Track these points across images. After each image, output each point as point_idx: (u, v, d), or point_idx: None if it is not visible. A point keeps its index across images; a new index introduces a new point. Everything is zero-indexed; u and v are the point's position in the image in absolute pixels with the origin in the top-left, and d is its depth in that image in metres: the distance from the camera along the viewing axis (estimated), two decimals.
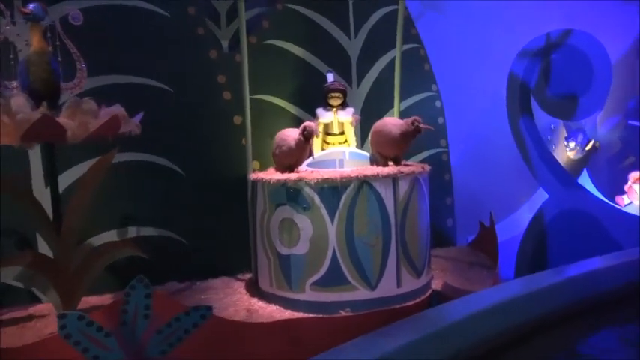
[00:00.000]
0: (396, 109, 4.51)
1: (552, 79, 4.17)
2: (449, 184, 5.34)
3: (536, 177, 4.12)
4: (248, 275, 4.32)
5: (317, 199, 3.39)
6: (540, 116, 6.19)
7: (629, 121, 6.03)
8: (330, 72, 4.44)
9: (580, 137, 6.15)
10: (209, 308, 2.73)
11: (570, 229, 4.08)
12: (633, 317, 3.20)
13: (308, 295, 3.46)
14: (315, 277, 3.44)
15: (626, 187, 5.72)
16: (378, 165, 3.85)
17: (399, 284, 3.51)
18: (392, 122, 3.81)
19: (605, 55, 4.40)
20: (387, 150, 3.82)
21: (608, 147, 6.39)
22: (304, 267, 3.45)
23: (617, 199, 5.54)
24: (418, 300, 3.54)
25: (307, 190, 3.39)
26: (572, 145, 6.06)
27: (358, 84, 4.98)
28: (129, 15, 4.10)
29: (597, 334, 3.09)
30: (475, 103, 5.09)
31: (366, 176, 3.38)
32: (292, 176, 3.48)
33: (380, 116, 4.15)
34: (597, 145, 6.27)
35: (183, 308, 2.62)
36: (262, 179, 3.65)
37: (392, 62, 4.63)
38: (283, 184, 3.47)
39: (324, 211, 3.38)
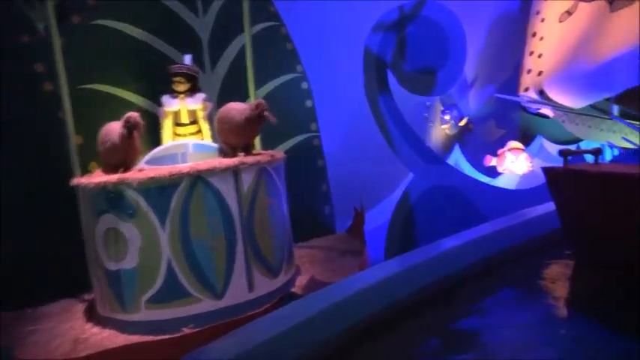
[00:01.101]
0: (251, 92, 4.10)
1: (408, 53, 3.99)
2: (323, 169, 5.07)
3: (399, 156, 3.96)
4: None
5: (143, 203, 2.90)
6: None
7: (496, 94, 6.16)
8: (187, 55, 3.92)
9: (455, 112, 6.18)
10: (9, 349, 2.18)
11: (437, 206, 3.98)
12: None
13: (144, 314, 2.98)
14: (150, 293, 2.96)
15: (499, 151, 5.78)
16: (225, 156, 3.43)
17: (250, 288, 3.15)
18: (235, 107, 3.40)
19: (459, 26, 4.30)
20: (233, 138, 3.41)
21: (481, 120, 6.53)
22: (136, 282, 2.96)
23: (486, 158, 5.55)
24: (274, 302, 3.19)
25: (130, 192, 2.89)
26: (447, 117, 6.07)
27: (212, 67, 4.49)
28: None
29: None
30: (342, 84, 4.83)
31: (199, 171, 2.95)
32: (112, 178, 2.95)
33: (241, 102, 3.73)
34: (470, 126, 6.36)
35: None
36: (81, 184, 3.08)
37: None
38: (103, 188, 2.94)
39: (152, 216, 2.91)
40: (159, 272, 2.93)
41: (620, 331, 2.51)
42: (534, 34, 6.45)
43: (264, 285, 3.22)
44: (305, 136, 4.94)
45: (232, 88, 4.48)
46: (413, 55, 3.94)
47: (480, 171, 5.78)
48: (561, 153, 3.24)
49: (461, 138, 6.27)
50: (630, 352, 2.31)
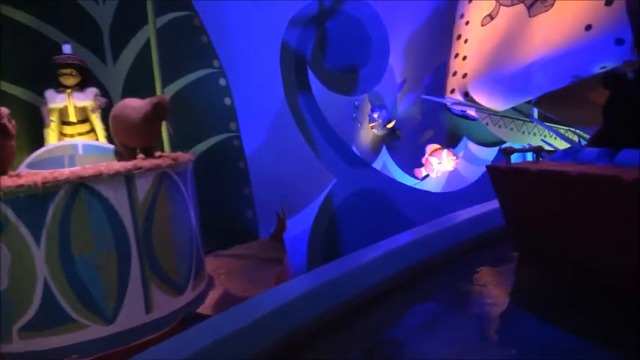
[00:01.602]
0: (158, 89, 3.71)
1: (329, 49, 3.79)
2: (244, 172, 4.75)
3: (321, 159, 3.74)
4: None
5: (12, 215, 2.45)
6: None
7: (423, 96, 6.13)
8: (67, 44, 3.46)
9: (383, 112, 6.08)
10: None
11: (361, 211, 3.81)
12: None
13: (17, 344, 2.54)
14: (24, 320, 2.52)
15: (423, 159, 5.78)
16: (121, 159, 3.04)
17: (148, 309, 2.78)
18: (132, 105, 3.01)
19: (381, 23, 4.15)
20: (129, 139, 3.03)
21: (408, 121, 6.49)
22: (7, 308, 2.51)
23: (416, 171, 5.53)
24: (175, 324, 2.84)
25: None
26: (376, 115, 5.96)
27: (115, 60, 4.04)
28: None
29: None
30: (265, 81, 4.54)
31: (81, 177, 2.54)
32: None
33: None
34: (398, 133, 6.30)
35: None
36: None
37: (158, 32, 3.79)
38: None
39: (24, 230, 2.47)
40: (33, 295, 2.49)
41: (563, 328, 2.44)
42: (459, 37, 6.50)
43: (166, 304, 2.86)
44: (224, 136, 4.59)
45: (138, 84, 4.05)
46: (334, 52, 3.73)
47: (407, 173, 5.71)
48: (503, 151, 3.17)
49: (389, 140, 6.19)
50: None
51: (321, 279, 2.86)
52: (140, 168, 2.73)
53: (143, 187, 2.75)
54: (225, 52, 4.50)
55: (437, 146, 5.65)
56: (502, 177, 3.16)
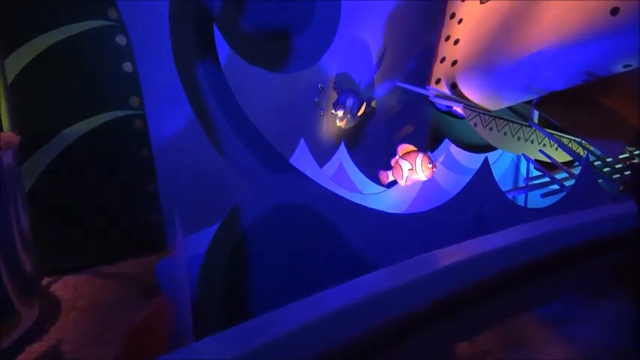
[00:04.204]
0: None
1: (249, 2, 2.59)
2: (149, 162, 3.61)
3: (225, 158, 2.60)
4: None
5: None
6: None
7: (398, 83, 5.00)
8: None
9: (350, 101, 4.95)
10: None
11: (280, 235, 2.71)
12: None
13: None
14: None
15: (393, 161, 4.59)
16: None
17: None
18: None
19: None
20: None
21: (383, 113, 5.36)
22: None
23: (381, 174, 4.39)
24: None
25: None
26: (340, 113, 4.82)
27: None
28: None
29: None
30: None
31: None
32: None
33: None
34: (373, 104, 5.17)
35: None
36: None
37: None
38: None
39: None
40: None
41: None
42: (453, 15, 5.35)
43: None
44: (120, 113, 3.43)
45: None
46: (256, 6, 2.55)
47: (370, 178, 4.60)
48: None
49: (357, 133, 5.08)
50: None
51: None
52: None
53: None
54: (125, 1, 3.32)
55: (411, 147, 4.43)
56: None
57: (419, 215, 3.48)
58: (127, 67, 3.42)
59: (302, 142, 4.10)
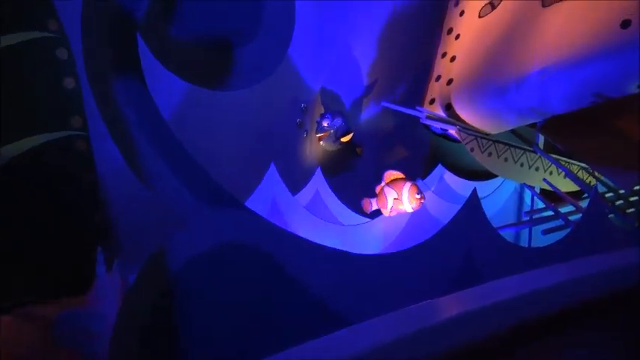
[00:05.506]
0: None
1: (181, 6, 2.18)
2: (93, 189, 3.23)
3: (150, 189, 2.21)
4: None
5: None
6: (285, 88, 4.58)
7: (384, 103, 4.58)
8: None
9: (337, 121, 4.56)
10: None
11: (219, 283, 2.27)
12: None
13: None
14: None
15: (377, 189, 4.14)
16: None
17: None
18: None
19: None
20: None
21: (371, 136, 4.93)
22: None
23: (364, 202, 3.96)
24: None
25: None
26: (325, 124, 4.44)
27: None
28: None
29: None
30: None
31: None
32: None
33: None
34: (359, 150, 4.79)
35: None
36: None
37: None
38: None
39: None
40: None
41: None
42: (450, 31, 4.94)
43: None
44: (59, 134, 3.07)
45: None
46: (190, 11, 2.15)
47: (352, 208, 4.15)
48: None
49: (339, 159, 4.66)
50: None
51: None
52: None
53: None
54: (69, 9, 2.98)
55: (398, 174, 3.96)
56: None
57: (396, 256, 3.00)
58: (69, 82, 3.07)
59: (272, 166, 3.68)
